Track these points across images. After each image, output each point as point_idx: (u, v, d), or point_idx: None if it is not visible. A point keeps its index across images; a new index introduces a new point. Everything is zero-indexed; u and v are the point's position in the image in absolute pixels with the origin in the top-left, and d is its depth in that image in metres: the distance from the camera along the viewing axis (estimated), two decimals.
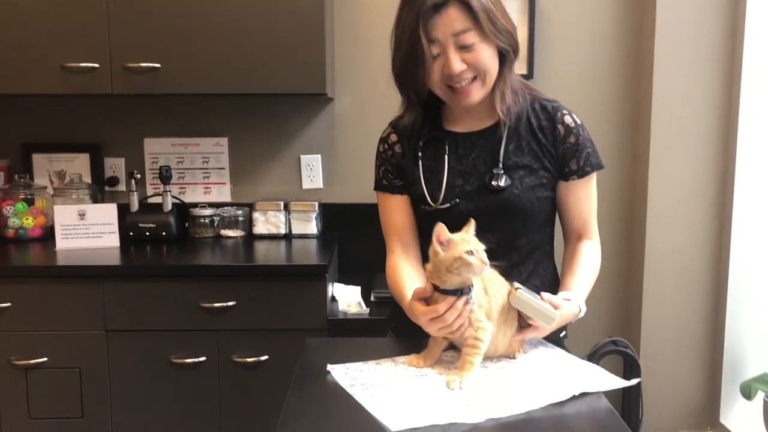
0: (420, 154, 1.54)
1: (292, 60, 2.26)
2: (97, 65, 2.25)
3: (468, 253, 1.22)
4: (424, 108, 1.54)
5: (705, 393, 2.58)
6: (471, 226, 1.28)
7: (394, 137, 1.59)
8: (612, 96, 2.61)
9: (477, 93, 1.44)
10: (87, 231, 2.35)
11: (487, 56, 1.40)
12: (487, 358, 1.35)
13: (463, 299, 1.25)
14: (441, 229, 1.24)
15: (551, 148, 1.49)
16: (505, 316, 1.31)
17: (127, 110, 2.64)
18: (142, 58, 2.25)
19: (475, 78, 1.42)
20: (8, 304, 2.11)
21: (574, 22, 2.58)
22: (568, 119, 1.50)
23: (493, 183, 1.46)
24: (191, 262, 2.26)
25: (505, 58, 1.46)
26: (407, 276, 1.50)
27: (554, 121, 1.50)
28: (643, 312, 2.55)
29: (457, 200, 1.49)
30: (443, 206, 1.49)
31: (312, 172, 2.67)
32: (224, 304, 2.12)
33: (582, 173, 1.50)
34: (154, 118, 2.65)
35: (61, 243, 2.33)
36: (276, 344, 2.14)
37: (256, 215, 2.56)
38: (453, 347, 1.39)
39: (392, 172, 1.58)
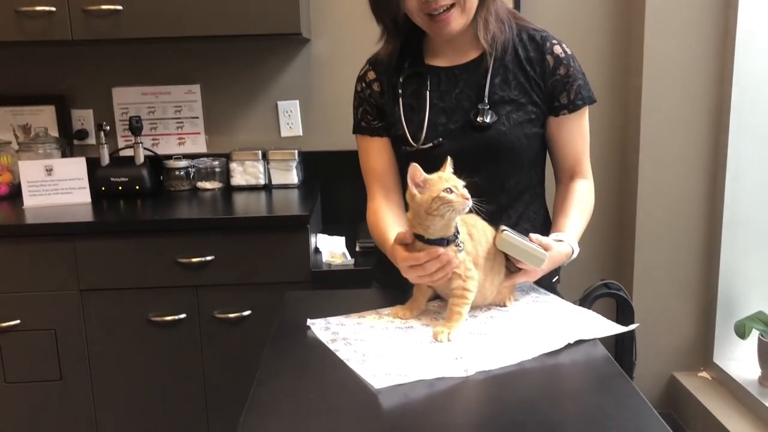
0: (400, 91, 1.43)
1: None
2: (53, 9, 2.10)
3: (446, 191, 1.13)
4: (405, 42, 1.43)
5: (699, 333, 2.55)
6: (448, 164, 1.18)
7: (371, 75, 1.49)
8: (603, 28, 2.49)
9: (457, 21, 1.33)
10: (56, 187, 2.23)
11: None
12: (476, 306, 1.27)
13: (450, 248, 1.16)
14: (415, 170, 1.15)
15: (540, 81, 1.39)
16: (492, 262, 1.23)
17: (92, 58, 2.50)
18: (102, 0, 2.10)
19: (453, 5, 1.31)
20: None
21: None
22: (557, 49, 1.40)
23: (478, 120, 1.37)
24: (166, 216, 2.16)
25: None
26: (389, 220, 1.42)
27: (543, 51, 1.40)
28: (636, 253, 2.49)
29: (440, 139, 1.39)
30: (425, 146, 1.39)
31: (290, 118, 2.55)
32: (202, 258, 2.03)
33: (573, 107, 1.40)
34: (121, 65, 2.51)
35: (29, 200, 2.21)
36: (258, 299, 2.06)
37: (233, 166, 2.45)
38: (439, 297, 1.31)
39: (371, 113, 1.48)
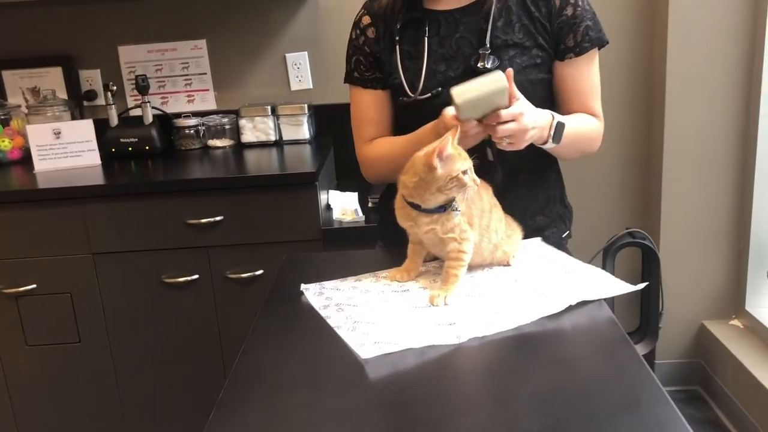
0: (397, 38, 1.35)
1: None
2: None
3: (464, 173, 1.07)
4: None
5: (729, 281, 2.45)
6: (456, 132, 1.11)
7: (366, 19, 1.40)
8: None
9: None
10: (65, 150, 2.21)
11: None
12: (476, 266, 1.22)
13: (448, 213, 1.11)
14: (447, 142, 1.06)
15: (546, 23, 1.30)
16: (487, 220, 1.17)
17: (97, 16, 2.44)
18: None
19: None
20: None
21: None
22: None
23: (479, 65, 1.28)
24: (174, 176, 2.13)
25: None
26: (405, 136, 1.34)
27: None
28: (663, 199, 2.38)
29: (440, 89, 1.31)
30: (423, 96, 1.31)
31: (300, 71, 2.47)
32: (212, 219, 2.00)
33: (580, 50, 1.31)
34: (126, 23, 2.45)
35: (39, 165, 2.20)
36: (270, 258, 2.02)
37: (242, 122, 2.40)
38: (436, 258, 1.25)
39: (364, 63, 1.40)
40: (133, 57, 2.46)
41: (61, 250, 2.04)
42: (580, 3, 1.31)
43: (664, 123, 2.31)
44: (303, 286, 1.23)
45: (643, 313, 2.36)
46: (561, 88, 1.36)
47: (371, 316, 1.09)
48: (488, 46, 1.29)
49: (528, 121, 1.14)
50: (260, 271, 2.05)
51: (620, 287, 1.14)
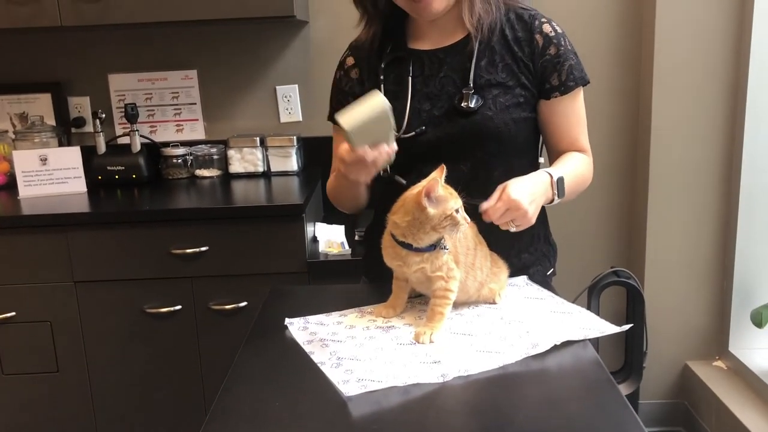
0: (381, 77, 1.36)
1: None
2: None
3: (457, 211, 1.08)
4: (386, 24, 1.36)
5: (713, 322, 2.46)
6: (442, 172, 1.11)
7: (350, 60, 1.42)
8: (614, 5, 2.38)
9: (439, 2, 1.26)
10: (51, 176, 2.20)
11: None
12: (462, 304, 1.21)
13: (437, 251, 1.12)
14: (436, 184, 1.07)
15: (529, 62, 1.31)
16: (472, 258, 1.17)
17: (87, 44, 2.45)
18: None
19: None
20: None
21: None
22: (547, 28, 1.32)
23: (463, 104, 1.29)
24: (160, 206, 2.12)
25: None
26: None
27: (532, 31, 1.32)
28: (647, 238, 2.40)
29: (424, 127, 1.32)
30: (407, 135, 1.32)
31: (289, 103, 2.48)
32: (197, 249, 1.99)
33: (565, 89, 1.32)
34: (117, 51, 2.46)
35: (24, 191, 2.19)
36: (254, 290, 2.01)
37: (231, 153, 2.40)
38: (420, 294, 1.25)
39: (345, 105, 1.42)
40: (123, 85, 2.47)
41: (43, 278, 2.01)
42: (563, 43, 1.33)
43: (648, 161, 2.34)
44: (287, 320, 1.21)
45: (627, 353, 2.37)
46: (549, 127, 1.37)
47: (355, 352, 1.08)
48: (471, 85, 1.31)
49: (516, 196, 1.14)
50: (244, 303, 2.03)
51: (605, 328, 1.13)
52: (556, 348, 1.06)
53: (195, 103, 2.48)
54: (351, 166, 1.17)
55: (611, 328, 1.13)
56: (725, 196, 2.35)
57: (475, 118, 1.29)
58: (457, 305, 1.18)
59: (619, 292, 2.42)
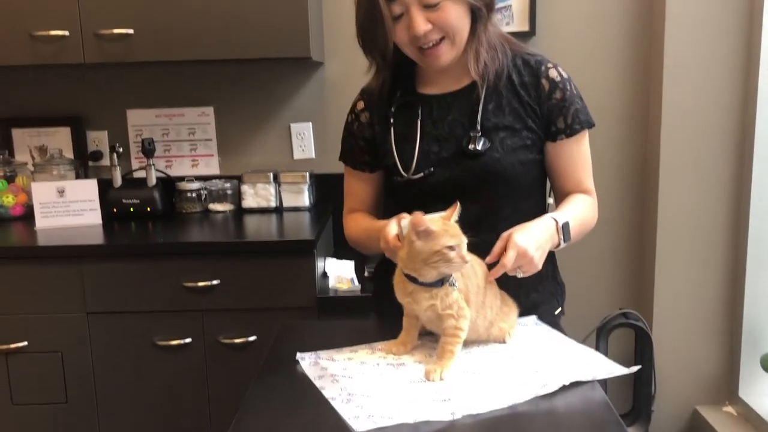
0: (392, 120, 1.40)
1: (273, 22, 2.11)
2: (66, 33, 2.12)
3: (449, 248, 1.09)
4: (397, 69, 1.40)
5: (723, 367, 2.44)
6: (455, 211, 1.14)
7: (361, 105, 1.47)
8: (621, 53, 2.42)
9: (447, 54, 1.31)
10: (67, 208, 2.24)
11: (454, 15, 1.27)
12: (471, 342, 1.22)
13: (444, 288, 1.14)
14: (419, 219, 1.10)
15: (535, 106, 1.35)
16: (482, 297, 1.19)
17: (107, 80, 2.51)
18: (113, 24, 2.11)
19: (443, 38, 1.29)
20: None
21: None
22: (553, 73, 1.36)
23: (471, 147, 1.33)
24: (174, 239, 2.15)
25: (477, 15, 1.31)
26: (372, 219, 1.44)
27: (538, 76, 1.36)
28: (656, 282, 2.40)
29: (432, 169, 1.35)
30: (416, 176, 1.36)
31: (303, 141, 2.53)
32: (208, 283, 2.01)
33: (571, 132, 1.36)
34: (136, 88, 2.52)
35: (41, 222, 2.23)
36: (264, 324, 2.03)
37: (244, 188, 2.44)
38: (431, 332, 1.26)
39: (355, 147, 1.48)
40: (141, 120, 2.52)
41: (56, 308, 2.04)
42: (568, 87, 1.36)
43: (657, 203, 2.36)
44: (298, 355, 1.23)
45: (635, 395, 2.35)
46: (555, 168, 1.40)
47: (366, 388, 1.09)
48: (479, 128, 1.34)
49: (523, 243, 1.16)
50: (253, 338, 2.04)
51: (614, 369, 1.14)
52: (564, 388, 1.07)
53: (211, 139, 2.53)
54: (392, 251, 1.20)
55: (620, 370, 1.14)
56: (734, 240, 2.36)
57: (483, 160, 1.33)
58: (466, 343, 1.19)
59: (627, 333, 2.42)
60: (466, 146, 1.33)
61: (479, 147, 1.33)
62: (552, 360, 1.17)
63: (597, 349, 2.28)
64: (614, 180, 2.49)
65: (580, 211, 1.36)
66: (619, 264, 2.55)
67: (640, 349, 2.34)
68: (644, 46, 2.40)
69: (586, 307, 2.45)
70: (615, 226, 2.51)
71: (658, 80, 2.32)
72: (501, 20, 2.35)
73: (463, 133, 1.35)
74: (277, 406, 1.07)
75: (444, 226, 1.12)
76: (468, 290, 1.16)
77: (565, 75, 1.37)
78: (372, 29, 1.29)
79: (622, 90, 2.44)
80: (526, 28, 2.35)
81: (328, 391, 1.09)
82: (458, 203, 1.16)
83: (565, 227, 1.27)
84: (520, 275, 1.19)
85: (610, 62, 2.43)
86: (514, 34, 2.33)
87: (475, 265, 1.18)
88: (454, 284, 1.14)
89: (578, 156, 1.39)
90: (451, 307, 1.14)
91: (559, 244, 1.27)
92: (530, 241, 1.18)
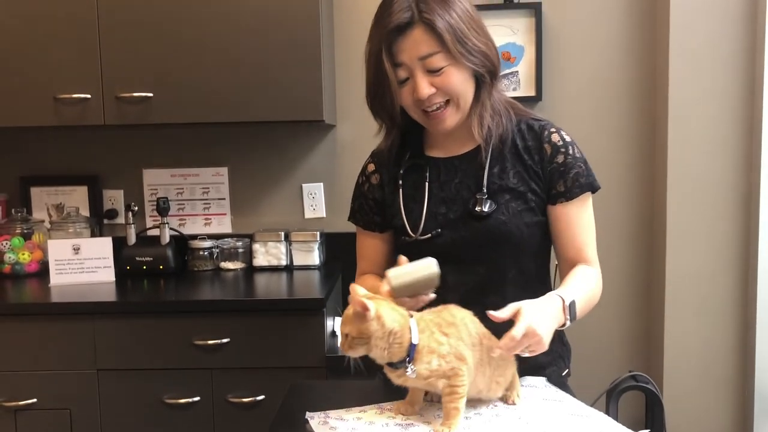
0: (400, 182, 1.44)
1: (287, 86, 2.19)
2: (89, 96, 2.20)
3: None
4: (406, 133, 1.45)
5: (736, 429, 2.40)
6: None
7: (371, 167, 1.51)
8: (626, 114, 2.48)
9: (451, 118, 1.36)
10: (82, 266, 2.28)
11: (458, 80, 1.32)
12: (480, 403, 1.22)
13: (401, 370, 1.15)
14: (354, 292, 1.14)
15: (538, 170, 1.39)
16: (479, 353, 1.17)
17: (124, 141, 2.59)
18: (134, 88, 2.19)
19: (448, 102, 1.34)
20: None
21: (584, 39, 2.46)
22: (555, 137, 1.40)
23: (477, 209, 1.36)
24: (185, 297, 2.18)
25: (481, 81, 1.36)
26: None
27: (541, 140, 1.40)
28: (665, 343, 2.39)
29: (440, 230, 1.38)
30: (423, 237, 1.39)
31: (314, 200, 2.58)
32: (218, 341, 2.02)
33: (570, 195, 1.38)
34: (152, 148, 2.59)
35: (56, 278, 2.26)
36: (273, 383, 2.03)
37: (256, 246, 2.47)
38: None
39: (365, 207, 1.51)
40: (156, 180, 2.58)
41: (66, 365, 2.05)
42: (570, 151, 1.39)
43: (665, 261, 2.37)
44: (308, 414, 1.23)
45: None
46: (556, 232, 1.42)
47: None
48: (485, 191, 1.37)
49: (533, 324, 1.13)
50: (261, 397, 2.04)
51: None
52: None
53: (224, 198, 2.59)
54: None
55: None
56: (744, 299, 2.36)
57: (489, 222, 1.36)
58: (475, 404, 1.19)
59: (637, 396, 2.39)
60: (473, 208, 1.36)
61: (485, 209, 1.35)
62: (562, 423, 1.18)
63: (607, 412, 2.25)
64: (621, 238, 2.51)
65: (586, 287, 1.35)
66: (628, 324, 2.54)
67: (651, 412, 2.31)
68: (648, 106, 2.46)
69: (594, 368, 2.43)
70: (622, 285, 2.52)
71: (663, 138, 2.37)
72: (508, 86, 2.42)
73: (470, 195, 1.39)
74: None
75: (349, 310, 1.13)
76: (458, 350, 1.15)
77: (567, 139, 1.41)
78: (380, 92, 1.34)
79: (628, 149, 2.49)
80: (532, 93, 2.41)
81: None
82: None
83: (572, 306, 1.26)
84: (525, 355, 1.17)
85: (614, 122, 2.48)
86: (521, 98, 2.41)
87: (467, 322, 1.18)
88: (408, 368, 1.14)
89: (579, 220, 1.40)
90: (435, 373, 1.13)
91: (564, 324, 1.25)
92: (540, 319, 1.15)
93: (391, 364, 1.15)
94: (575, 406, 1.26)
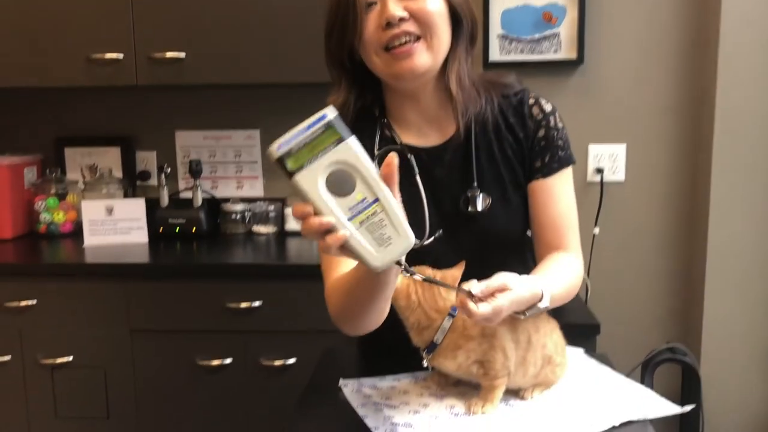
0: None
1: (320, 48, 2.13)
2: (121, 56, 2.18)
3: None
4: (365, 104, 1.25)
5: None
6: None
7: None
8: (672, 82, 2.38)
9: (420, 56, 1.14)
10: (115, 227, 2.29)
11: (434, 7, 1.14)
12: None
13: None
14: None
15: (525, 148, 1.25)
16: (524, 353, 1.11)
17: (157, 102, 2.57)
18: (166, 48, 2.17)
19: (419, 38, 1.14)
20: (34, 302, 2.06)
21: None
22: (535, 110, 1.26)
23: (470, 209, 1.23)
24: (218, 260, 2.18)
25: (458, 27, 1.19)
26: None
27: (522, 115, 1.25)
28: (704, 315, 2.33)
29: (441, 231, 1.21)
30: (428, 241, 1.20)
31: None
32: (250, 304, 2.02)
33: (548, 171, 1.24)
34: (185, 110, 2.57)
35: (89, 239, 2.27)
36: (304, 347, 2.03)
37: (288, 211, 2.46)
38: None
39: None
40: (188, 142, 2.57)
41: (101, 325, 2.07)
42: (552, 123, 1.25)
43: (707, 230, 2.29)
44: (341, 382, 1.22)
45: None
46: (532, 213, 1.27)
47: (410, 419, 1.07)
48: (475, 184, 1.23)
49: (503, 311, 1.00)
50: (293, 360, 2.04)
51: (666, 408, 1.11)
52: (614, 428, 1.04)
53: (256, 162, 2.56)
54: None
55: (672, 409, 1.11)
56: None
57: (486, 221, 1.24)
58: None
59: (674, 368, 2.35)
60: (465, 207, 1.23)
61: (479, 207, 1.22)
62: (601, 397, 1.14)
63: (642, 384, 2.22)
64: (662, 207, 2.43)
65: (566, 295, 1.17)
66: (665, 296, 2.48)
67: (688, 386, 2.27)
68: (696, 78, 2.36)
69: (630, 340, 2.40)
70: (662, 253, 2.45)
71: (710, 109, 2.27)
72: (549, 47, 2.34)
73: (459, 191, 1.24)
74: None
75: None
76: (504, 345, 1.09)
77: (547, 108, 1.26)
78: (339, 25, 1.17)
79: (671, 117, 2.39)
80: (573, 56, 2.33)
81: (371, 420, 1.08)
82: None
83: (543, 309, 1.08)
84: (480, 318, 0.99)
85: (659, 89, 2.38)
86: (562, 61, 2.34)
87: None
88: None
89: (556, 199, 1.25)
90: (461, 367, 1.10)
91: (522, 314, 1.07)
92: (510, 309, 1.01)
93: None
94: (614, 378, 1.23)
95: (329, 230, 0.88)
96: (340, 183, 0.88)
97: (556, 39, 2.34)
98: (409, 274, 0.98)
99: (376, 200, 0.88)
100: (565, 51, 2.34)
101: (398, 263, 0.92)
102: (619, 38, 2.37)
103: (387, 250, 0.89)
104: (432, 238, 1.20)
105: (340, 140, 0.88)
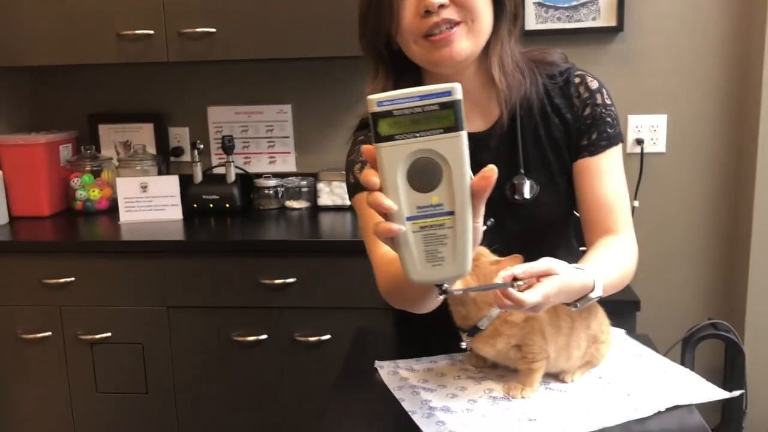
0: None
1: (351, 21, 2.08)
2: (152, 32, 2.17)
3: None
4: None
5: None
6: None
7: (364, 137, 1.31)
8: (716, 53, 2.28)
9: (461, 42, 1.10)
10: (150, 203, 2.30)
11: None
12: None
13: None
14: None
15: (572, 129, 1.21)
16: (566, 338, 1.08)
17: (188, 78, 2.56)
18: (196, 23, 2.14)
19: (458, 23, 1.10)
20: (72, 279, 2.09)
21: None
22: (581, 89, 1.21)
23: (516, 197, 1.20)
24: (252, 236, 2.17)
25: (500, 12, 1.14)
26: None
27: (569, 95, 1.21)
28: (749, 293, 2.27)
29: (492, 220, 1.16)
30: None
31: None
32: (285, 280, 2.02)
33: (594, 149, 1.20)
34: (217, 85, 2.56)
35: (125, 216, 2.29)
36: (339, 323, 2.03)
37: (320, 186, 2.44)
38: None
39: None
40: (221, 117, 2.56)
41: (138, 302, 2.09)
42: (599, 100, 1.21)
43: (753, 203, 2.21)
44: (377, 363, 1.21)
45: (725, 411, 2.23)
46: (578, 192, 1.22)
47: (447, 403, 1.06)
48: (522, 171, 1.20)
49: (549, 300, 0.95)
50: (327, 336, 2.04)
51: (713, 393, 1.07)
52: (659, 413, 1.01)
53: (288, 137, 2.55)
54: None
55: (719, 393, 1.07)
56: None
57: (535, 209, 1.21)
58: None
59: (715, 345, 2.29)
60: (511, 195, 1.20)
61: (527, 195, 1.19)
62: (645, 382, 1.11)
63: (682, 361, 2.17)
64: (705, 180, 2.35)
65: (617, 275, 1.11)
66: (708, 272, 2.41)
67: (731, 363, 2.22)
68: (741, 50, 2.25)
69: (671, 317, 2.34)
70: (704, 227, 2.38)
71: (757, 80, 2.18)
72: (587, 15, 2.26)
73: (504, 177, 1.20)
74: (358, 418, 1.05)
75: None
76: (543, 329, 1.07)
77: (593, 85, 1.22)
78: (375, 12, 1.13)
79: (714, 89, 2.30)
80: (613, 23, 2.24)
81: (408, 404, 1.06)
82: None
83: (596, 298, 1.03)
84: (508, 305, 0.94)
85: (701, 60, 2.29)
86: (601, 29, 2.26)
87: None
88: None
89: (604, 178, 1.19)
90: (500, 353, 1.09)
91: (573, 305, 1.03)
92: (556, 299, 0.96)
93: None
94: (657, 361, 1.19)
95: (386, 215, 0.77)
96: (423, 175, 0.74)
97: (594, 5, 2.26)
98: (444, 295, 0.86)
99: (451, 213, 0.75)
100: (604, 18, 2.26)
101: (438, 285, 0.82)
102: (662, 4, 2.27)
103: (432, 270, 0.77)
104: (485, 227, 1.16)
105: (451, 129, 0.73)
